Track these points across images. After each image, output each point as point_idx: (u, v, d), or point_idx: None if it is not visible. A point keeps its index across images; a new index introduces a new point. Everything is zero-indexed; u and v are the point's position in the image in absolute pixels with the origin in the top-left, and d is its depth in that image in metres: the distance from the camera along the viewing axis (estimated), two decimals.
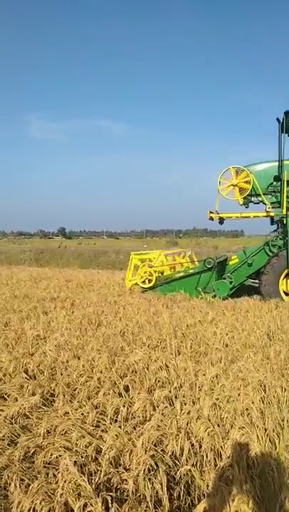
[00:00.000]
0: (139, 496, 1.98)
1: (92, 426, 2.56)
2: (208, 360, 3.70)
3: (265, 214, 7.97)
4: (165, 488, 1.97)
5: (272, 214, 7.95)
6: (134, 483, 2.00)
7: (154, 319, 5.34)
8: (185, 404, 2.81)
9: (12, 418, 2.67)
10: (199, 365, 3.53)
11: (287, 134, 8.27)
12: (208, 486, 2.11)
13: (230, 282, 7.81)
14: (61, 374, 3.44)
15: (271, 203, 7.88)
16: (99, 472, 2.09)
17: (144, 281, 8.12)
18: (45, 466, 2.15)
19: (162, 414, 2.65)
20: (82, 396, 2.97)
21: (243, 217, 8.29)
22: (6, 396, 3.02)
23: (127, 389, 3.12)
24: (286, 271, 7.38)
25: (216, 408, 2.72)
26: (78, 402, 2.89)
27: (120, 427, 2.51)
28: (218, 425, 2.57)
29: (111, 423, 2.58)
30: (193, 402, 2.86)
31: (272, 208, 7.87)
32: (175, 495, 2.03)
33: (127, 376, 3.29)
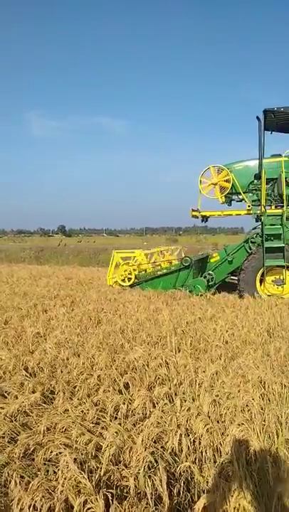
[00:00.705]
0: (140, 492, 1.99)
1: (92, 423, 2.57)
2: (208, 357, 3.71)
3: (246, 212, 8.06)
4: (165, 485, 1.97)
5: (251, 212, 8.04)
6: (134, 480, 2.00)
7: (154, 316, 5.34)
8: (185, 401, 2.81)
9: (12, 416, 2.67)
10: (199, 362, 3.54)
11: (270, 132, 8.48)
12: (207, 482, 2.11)
13: (211, 279, 8.03)
14: (61, 371, 3.44)
15: (252, 200, 7.97)
16: (99, 469, 2.10)
17: (123, 280, 8.29)
18: (45, 464, 2.15)
19: (162, 411, 2.66)
20: (82, 393, 2.97)
21: (226, 215, 8.42)
22: (6, 394, 3.02)
23: (126, 386, 3.12)
24: (262, 269, 7.44)
25: (215, 405, 2.73)
26: (78, 399, 2.90)
27: (120, 424, 2.52)
28: (218, 422, 2.57)
29: (111, 420, 2.59)
30: (193, 399, 2.87)
31: (254, 205, 7.94)
32: (175, 491, 2.04)
33: (126, 373, 3.29)
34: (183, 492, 2.04)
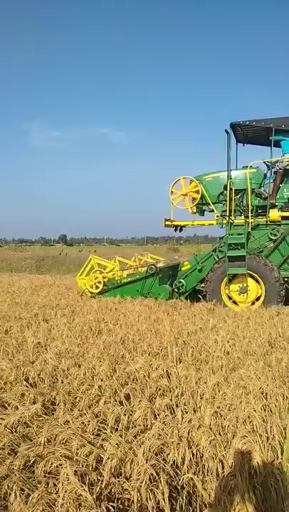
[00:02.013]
0: (141, 506, 1.96)
1: (93, 435, 2.55)
2: (209, 367, 3.69)
3: (215, 222, 8.35)
4: (167, 498, 1.95)
5: (214, 222, 8.38)
6: (135, 493, 1.98)
7: (155, 327, 5.32)
8: (186, 412, 2.79)
9: (12, 427, 2.65)
10: (200, 373, 3.52)
11: (243, 144, 8.92)
12: (210, 495, 2.09)
13: (182, 287, 8.36)
14: (62, 382, 3.43)
15: (223, 211, 8.18)
16: (100, 482, 2.08)
17: (92, 287, 8.54)
18: (45, 476, 2.13)
19: (163, 422, 2.64)
20: (82, 404, 2.95)
21: (199, 225, 8.77)
22: (6, 404, 3.01)
23: (127, 397, 3.10)
24: (227, 277, 7.62)
25: (217, 416, 2.70)
26: (79, 410, 2.88)
27: (121, 435, 2.50)
28: (220, 434, 2.55)
29: (112, 432, 2.57)
30: (195, 411, 2.85)
31: (224, 215, 8.18)
32: (177, 505, 2.02)
33: (127, 384, 3.28)
34: (185, 505, 2.02)
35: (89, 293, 8.55)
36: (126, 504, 1.99)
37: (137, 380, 3.41)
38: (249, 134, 8.74)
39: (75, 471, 2.08)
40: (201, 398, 3.02)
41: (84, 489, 1.92)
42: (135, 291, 8.25)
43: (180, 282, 8.44)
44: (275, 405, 2.88)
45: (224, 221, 8.09)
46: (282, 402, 2.92)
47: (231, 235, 7.78)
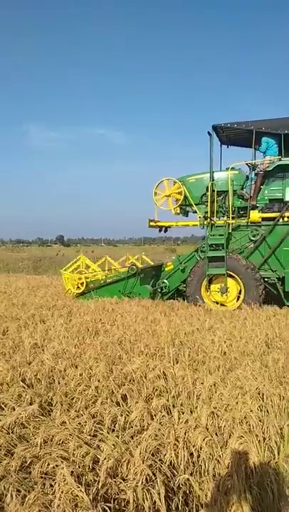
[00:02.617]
0: (137, 506, 1.97)
1: (90, 435, 2.55)
2: (206, 368, 3.69)
3: (198, 223, 8.46)
4: (163, 499, 1.95)
5: (197, 223, 8.51)
6: (132, 493, 1.98)
7: (152, 327, 5.32)
8: (183, 413, 2.79)
9: (9, 428, 2.65)
10: (197, 374, 3.52)
11: (227, 146, 9.08)
12: (206, 495, 2.09)
13: (165, 287, 8.52)
14: (59, 383, 3.42)
15: (206, 212, 8.26)
16: (96, 482, 2.08)
17: (74, 287, 8.65)
18: (42, 477, 2.13)
19: (160, 423, 2.64)
20: (79, 405, 2.95)
21: (183, 226, 8.89)
22: (3, 405, 3.00)
23: (124, 398, 3.10)
24: (207, 277, 7.74)
25: (214, 417, 2.71)
26: (76, 411, 2.88)
27: (118, 436, 2.50)
28: (217, 434, 2.56)
29: (108, 432, 2.57)
30: (191, 411, 2.85)
31: (206, 216, 8.28)
32: (173, 505, 2.02)
33: (124, 385, 3.27)
34: (181, 506, 2.02)
35: (72, 293, 8.65)
36: (122, 504, 1.99)
37: (133, 380, 3.41)
38: (232, 136, 8.86)
39: (72, 471, 2.08)
40: (198, 399, 3.02)
41: (80, 490, 1.92)
42: (117, 292, 8.35)
43: (163, 283, 8.60)
44: (272, 405, 2.89)
45: (206, 222, 8.21)
46: (278, 403, 2.93)
47: (212, 235, 7.91)
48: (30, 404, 2.95)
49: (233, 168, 8.35)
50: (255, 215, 7.84)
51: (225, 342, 4.53)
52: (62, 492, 1.91)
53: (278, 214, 7.62)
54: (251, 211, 7.89)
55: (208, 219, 8.10)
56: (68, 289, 8.68)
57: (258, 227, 7.87)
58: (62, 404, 2.97)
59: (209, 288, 7.86)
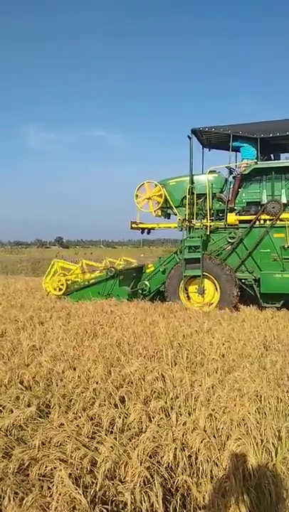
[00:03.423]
0: (135, 508, 1.97)
1: (88, 437, 2.55)
2: (204, 370, 3.70)
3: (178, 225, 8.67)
4: (161, 501, 1.96)
5: (174, 225, 8.70)
6: (130, 495, 1.99)
7: (151, 329, 5.32)
8: (181, 415, 2.80)
9: (7, 430, 2.65)
10: (195, 376, 3.53)
11: (208, 150, 9.25)
12: (204, 498, 2.09)
13: (146, 288, 8.76)
14: (57, 385, 3.42)
15: (186, 214, 8.42)
16: (94, 484, 2.08)
17: (55, 289, 8.80)
18: (39, 479, 2.13)
19: (158, 425, 2.64)
20: (77, 407, 2.95)
21: (166, 228, 9.09)
22: (1, 407, 2.99)
23: (122, 400, 3.11)
24: (184, 279, 7.92)
25: (211, 419, 2.71)
26: (74, 413, 2.88)
27: (116, 438, 2.50)
28: (214, 436, 2.56)
29: (106, 435, 2.56)
30: (189, 413, 2.86)
31: (187, 219, 8.47)
32: (171, 508, 2.02)
33: (122, 387, 3.27)
34: (179, 508, 2.02)
35: (53, 295, 8.79)
36: (120, 507, 1.99)
37: (132, 382, 3.41)
38: (212, 139, 9.01)
39: (70, 474, 2.08)
40: (196, 401, 3.02)
41: (78, 492, 1.92)
42: (97, 293, 8.52)
43: (144, 284, 8.84)
44: (269, 408, 2.89)
45: (184, 224, 8.37)
46: (276, 405, 2.94)
47: (191, 238, 8.09)
48: (28, 406, 2.96)
49: (212, 172, 8.53)
50: (232, 218, 8.05)
51: (223, 344, 4.53)
52: (59, 494, 1.91)
53: (255, 217, 7.81)
54: (229, 214, 8.10)
55: (187, 221, 8.31)
56: (49, 292, 8.86)
57: (236, 230, 8.05)
58: (60, 407, 2.97)
59: (187, 289, 8.06)
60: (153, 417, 2.77)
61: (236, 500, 1.99)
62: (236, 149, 8.37)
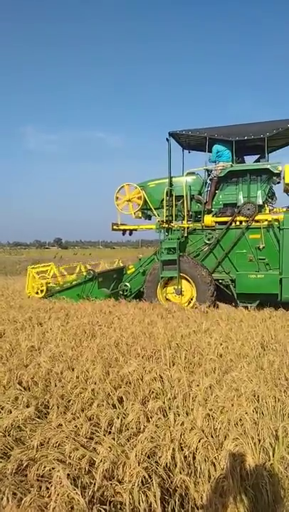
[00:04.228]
0: (133, 508, 1.98)
1: (86, 438, 2.56)
2: (202, 370, 3.71)
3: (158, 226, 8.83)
4: (159, 501, 1.97)
5: (149, 226, 8.94)
6: (128, 495, 2.00)
7: (149, 330, 5.33)
8: (178, 415, 2.81)
9: (6, 430, 2.66)
10: (193, 376, 3.54)
11: (188, 151, 9.31)
12: (202, 497, 2.11)
13: (127, 290, 8.99)
14: (55, 385, 3.43)
15: (166, 216, 8.60)
16: (92, 485, 2.09)
17: (37, 292, 8.95)
18: (38, 479, 2.14)
19: (156, 425, 2.65)
20: (76, 408, 2.96)
21: (147, 229, 9.20)
22: None
23: (121, 400, 3.12)
24: (162, 280, 8.10)
25: (209, 419, 2.73)
26: (72, 413, 2.89)
27: (114, 438, 2.51)
28: (212, 436, 2.57)
29: (105, 435, 2.58)
30: (187, 413, 2.87)
31: (168, 220, 8.67)
32: (169, 507, 2.03)
33: (121, 387, 3.28)
34: (177, 508, 2.03)
35: (36, 297, 8.94)
36: (118, 507, 2.00)
37: (130, 383, 3.42)
38: (191, 142, 9.14)
39: (68, 474, 2.09)
40: (194, 401, 3.03)
41: (76, 492, 1.93)
42: (76, 295, 8.65)
43: (125, 285, 9.04)
44: (267, 407, 2.90)
45: (162, 225, 8.54)
46: (273, 404, 2.95)
47: (168, 239, 8.26)
48: (27, 406, 2.96)
49: (191, 174, 8.68)
50: (208, 219, 8.21)
51: (221, 344, 4.54)
52: (58, 495, 1.92)
53: (231, 218, 7.96)
54: (205, 215, 8.26)
55: (165, 223, 8.47)
56: (29, 292, 8.98)
57: (213, 231, 8.21)
58: (58, 407, 2.98)
59: (166, 289, 8.23)
60: (151, 417, 2.78)
61: (234, 500, 2.01)
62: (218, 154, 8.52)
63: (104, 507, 1.93)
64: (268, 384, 3.31)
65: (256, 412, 2.81)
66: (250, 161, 8.89)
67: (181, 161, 9.21)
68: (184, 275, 7.97)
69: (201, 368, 3.79)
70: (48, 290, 8.92)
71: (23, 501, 1.91)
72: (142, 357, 4.13)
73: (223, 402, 2.94)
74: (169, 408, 2.96)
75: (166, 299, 8.20)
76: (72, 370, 3.74)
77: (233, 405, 2.88)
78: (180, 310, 7.14)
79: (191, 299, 7.95)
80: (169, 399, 3.11)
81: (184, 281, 8.04)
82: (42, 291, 8.83)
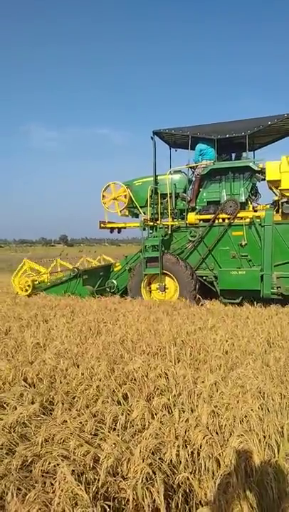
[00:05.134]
0: (137, 504, 1.97)
1: (91, 434, 2.56)
2: (207, 367, 3.69)
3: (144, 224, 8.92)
4: (162, 497, 1.96)
5: (137, 224, 8.98)
6: (132, 491, 1.99)
7: (154, 327, 5.32)
8: (183, 411, 2.80)
9: (11, 427, 2.67)
10: (198, 373, 3.53)
11: (175, 150, 9.39)
12: (206, 494, 2.10)
13: (114, 287, 9.19)
14: (60, 382, 3.44)
15: (152, 214, 8.75)
16: (96, 481, 2.09)
17: (21, 289, 9.08)
18: (42, 475, 2.14)
19: (160, 422, 2.65)
20: (80, 404, 2.96)
21: (135, 227, 9.21)
22: (5, 405, 3.02)
23: (125, 397, 3.11)
24: (145, 277, 8.26)
25: (214, 416, 2.71)
26: (77, 410, 2.89)
27: (118, 435, 2.51)
28: (217, 433, 2.56)
29: (109, 431, 2.58)
30: (192, 410, 2.86)
31: (153, 218, 8.81)
32: (173, 504, 2.03)
33: (126, 384, 3.28)
34: (181, 504, 2.03)
35: (21, 294, 9.05)
36: (122, 503, 2.00)
37: (135, 379, 3.42)
38: (177, 140, 9.21)
39: (72, 470, 2.09)
40: (199, 397, 3.02)
41: (80, 488, 1.93)
42: (62, 292, 8.79)
43: (112, 282, 9.27)
44: (273, 404, 2.89)
45: (147, 223, 8.66)
46: (279, 401, 2.93)
47: (152, 237, 8.41)
48: (32, 403, 2.97)
49: (177, 172, 8.81)
50: (192, 217, 8.33)
51: (227, 341, 4.53)
52: (62, 490, 1.93)
53: (214, 215, 8.04)
54: (189, 213, 8.38)
55: (150, 221, 8.60)
56: (17, 293, 9.06)
57: (196, 229, 8.28)
58: (63, 404, 2.98)
59: (150, 286, 8.42)
60: (156, 414, 2.78)
61: (238, 497, 1.99)
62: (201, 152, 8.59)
63: (108, 503, 1.93)
64: (273, 381, 3.29)
65: (261, 409, 2.79)
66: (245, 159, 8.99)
67: (155, 159, 9.26)
68: (167, 271, 8.11)
69: (207, 364, 3.78)
70: (35, 288, 9.08)
71: (27, 497, 1.91)
72: (147, 354, 4.12)
73: (229, 398, 2.93)
74: (174, 405, 2.95)
75: (151, 296, 8.37)
76: (78, 366, 3.75)
77: (238, 402, 2.86)
78: (185, 307, 7.12)
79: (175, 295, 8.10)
80: (174, 395, 3.11)
81: (167, 278, 8.19)
82: (27, 289, 8.98)
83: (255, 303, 7.38)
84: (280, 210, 7.51)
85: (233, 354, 4.11)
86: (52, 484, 2.04)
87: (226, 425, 2.61)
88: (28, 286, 9.00)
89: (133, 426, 2.67)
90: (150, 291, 8.46)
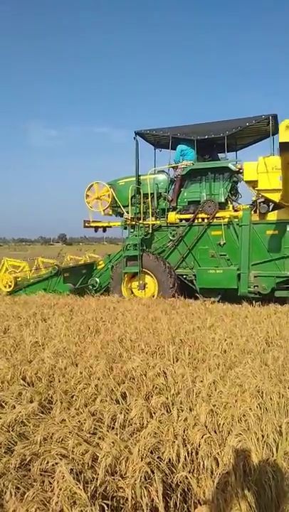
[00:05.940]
0: (135, 503, 1.98)
1: (89, 433, 2.56)
2: (205, 366, 3.70)
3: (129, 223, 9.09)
4: (161, 496, 1.96)
5: (119, 223, 9.23)
6: (130, 490, 2.00)
7: (153, 325, 5.33)
8: (182, 410, 2.80)
9: (9, 425, 2.66)
10: (197, 372, 3.53)
11: (159, 150, 9.54)
12: (204, 493, 2.10)
13: (96, 284, 9.34)
14: (59, 381, 3.44)
15: (135, 213, 8.86)
16: (95, 480, 2.09)
17: (5, 286, 9.16)
18: (41, 474, 2.14)
19: (159, 421, 2.65)
20: (79, 403, 2.96)
21: (120, 226, 9.32)
22: (3, 403, 3.01)
23: (124, 396, 3.11)
24: (126, 275, 8.46)
25: (213, 415, 2.72)
26: (75, 409, 2.89)
27: (117, 434, 2.51)
28: (215, 432, 2.56)
29: (108, 430, 2.57)
30: (191, 409, 2.86)
31: (137, 217, 8.91)
32: (172, 503, 2.03)
33: (124, 383, 3.28)
34: (180, 503, 2.03)
35: (4, 291, 9.15)
36: (120, 502, 2.00)
37: (133, 378, 3.42)
38: (160, 140, 9.31)
39: (71, 469, 2.09)
40: (197, 396, 3.02)
41: (79, 487, 1.93)
42: (42, 290, 8.87)
43: (95, 280, 9.43)
44: (271, 403, 2.89)
45: (128, 222, 8.83)
46: (277, 400, 2.94)
47: (133, 236, 8.56)
48: (31, 402, 2.97)
49: (160, 172, 8.93)
50: (172, 216, 8.46)
51: (225, 340, 4.53)
52: (60, 489, 1.92)
53: (193, 215, 8.16)
54: (169, 212, 8.52)
55: (132, 220, 8.71)
56: (0, 289, 9.14)
57: (177, 228, 8.42)
58: (62, 402, 2.98)
59: (131, 284, 8.61)
60: (154, 413, 2.78)
61: (237, 496, 2.00)
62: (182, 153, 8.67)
63: (106, 502, 1.93)
64: (272, 380, 3.29)
65: (260, 408, 2.80)
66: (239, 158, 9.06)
67: (137, 159, 9.30)
68: (146, 270, 8.25)
69: (205, 363, 3.78)
70: (17, 285, 9.17)
71: (26, 496, 1.91)
72: (146, 353, 4.12)
73: (227, 397, 2.93)
74: (173, 404, 2.95)
75: (132, 294, 8.51)
76: (76, 365, 3.74)
77: (236, 401, 2.87)
78: (184, 306, 7.13)
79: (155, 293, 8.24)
80: (173, 394, 3.10)
81: (147, 276, 8.34)
82: (10, 286, 9.06)
83: (253, 302, 7.40)
84: (258, 210, 7.61)
85: (231, 353, 4.12)
86: (50, 483, 2.04)
87: (224, 424, 2.62)
88: (11, 282, 9.08)
89: (131, 425, 2.67)
90: (131, 289, 8.59)
